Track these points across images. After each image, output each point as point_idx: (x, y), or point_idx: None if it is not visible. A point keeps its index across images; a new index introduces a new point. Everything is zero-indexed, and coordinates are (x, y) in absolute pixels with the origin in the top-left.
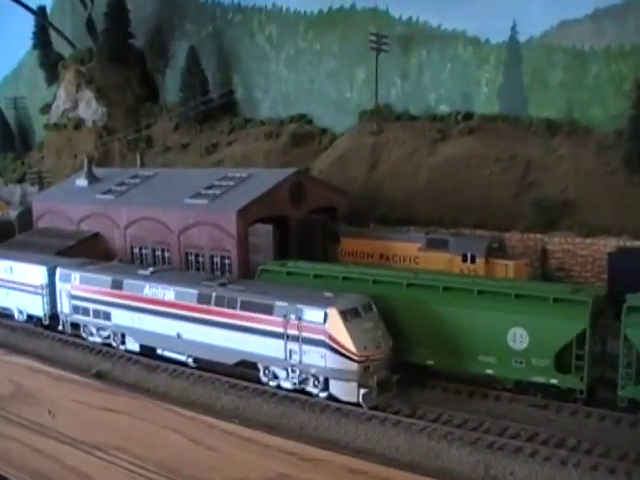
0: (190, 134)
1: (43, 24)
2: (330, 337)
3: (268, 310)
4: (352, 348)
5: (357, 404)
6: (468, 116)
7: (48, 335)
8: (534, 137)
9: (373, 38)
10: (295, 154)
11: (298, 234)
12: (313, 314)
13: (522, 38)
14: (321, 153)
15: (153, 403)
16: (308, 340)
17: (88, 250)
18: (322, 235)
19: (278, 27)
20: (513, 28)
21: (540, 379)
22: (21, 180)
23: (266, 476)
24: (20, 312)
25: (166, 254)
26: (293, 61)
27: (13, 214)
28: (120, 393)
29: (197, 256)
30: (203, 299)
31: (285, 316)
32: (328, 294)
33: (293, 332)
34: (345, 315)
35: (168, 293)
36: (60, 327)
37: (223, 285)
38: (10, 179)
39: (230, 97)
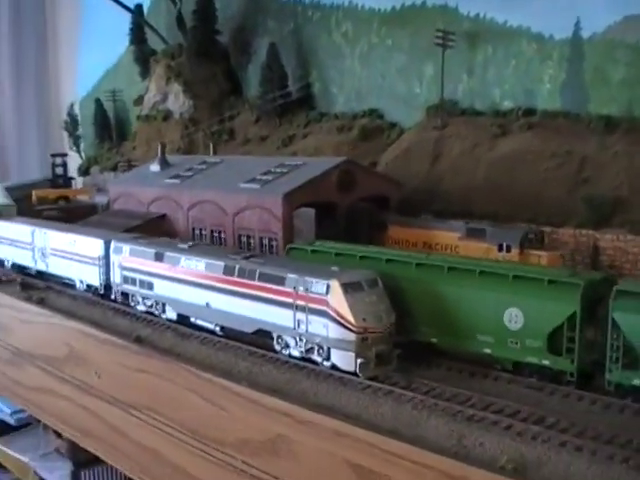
0: (269, 127)
1: (139, 22)
2: (332, 308)
3: (281, 282)
4: (350, 319)
5: (356, 374)
6: (530, 112)
7: (102, 303)
8: (592, 134)
9: (439, 34)
10: (364, 147)
11: (345, 220)
12: (318, 286)
13: (585, 34)
14: (389, 147)
15: (178, 365)
16: (313, 310)
17: (154, 230)
18: (368, 222)
19: (353, 24)
20: (577, 24)
21: (533, 360)
22: (115, 168)
23: (267, 437)
24: (81, 282)
25: (222, 235)
26: (366, 57)
27: (101, 199)
28: (153, 356)
29: (248, 237)
30: (228, 271)
31: (294, 287)
32: (335, 268)
33: (301, 303)
34: (346, 288)
35: (200, 265)
36: (112, 296)
37: (246, 258)
38: (105, 167)
39: (307, 90)
